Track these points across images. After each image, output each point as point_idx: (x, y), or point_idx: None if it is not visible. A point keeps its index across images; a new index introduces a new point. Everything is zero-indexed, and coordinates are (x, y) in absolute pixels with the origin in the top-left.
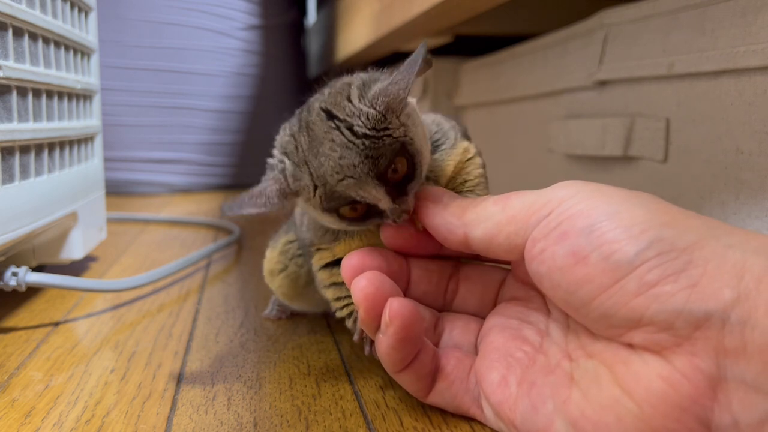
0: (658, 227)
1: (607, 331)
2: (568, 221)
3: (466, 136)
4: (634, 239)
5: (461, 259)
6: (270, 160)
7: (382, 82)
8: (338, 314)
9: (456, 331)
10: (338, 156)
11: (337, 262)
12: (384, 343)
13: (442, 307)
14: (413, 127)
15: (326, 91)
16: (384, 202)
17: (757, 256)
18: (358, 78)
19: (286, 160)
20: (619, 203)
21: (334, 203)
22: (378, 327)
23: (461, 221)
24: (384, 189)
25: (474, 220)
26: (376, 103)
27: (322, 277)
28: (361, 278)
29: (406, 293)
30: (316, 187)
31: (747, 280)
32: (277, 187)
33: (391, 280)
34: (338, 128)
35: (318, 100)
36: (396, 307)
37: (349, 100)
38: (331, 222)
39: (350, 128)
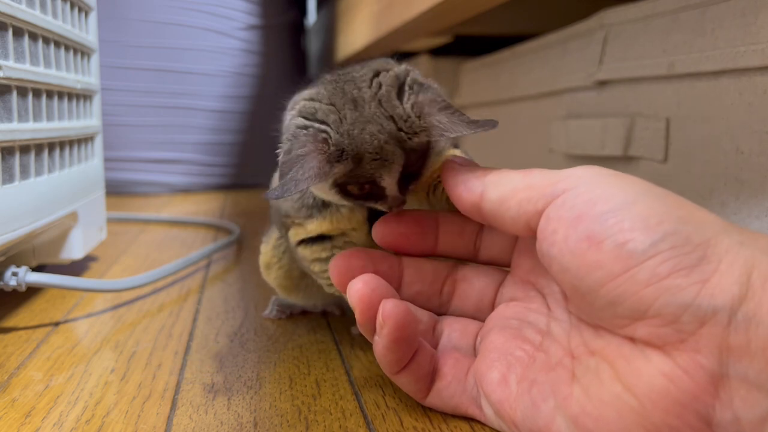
0: (674, 221)
1: (611, 321)
2: (585, 204)
3: (455, 146)
4: (650, 230)
5: (458, 261)
6: (299, 124)
7: (434, 97)
8: (327, 290)
9: (455, 333)
10: (384, 140)
11: (313, 239)
12: (379, 345)
13: (439, 309)
14: (437, 142)
15: (369, 74)
16: (392, 190)
17: (765, 254)
18: (410, 76)
19: (329, 129)
20: (637, 193)
21: (351, 180)
22: (374, 329)
23: (481, 181)
24: (398, 179)
25: (494, 182)
26: (422, 117)
27: (303, 253)
28: (357, 281)
29: (398, 293)
30: (345, 158)
31: (755, 277)
32: (324, 157)
33: (387, 282)
34: (389, 118)
35: (365, 81)
36: (389, 308)
37: (400, 99)
38: (329, 195)
39: (398, 127)
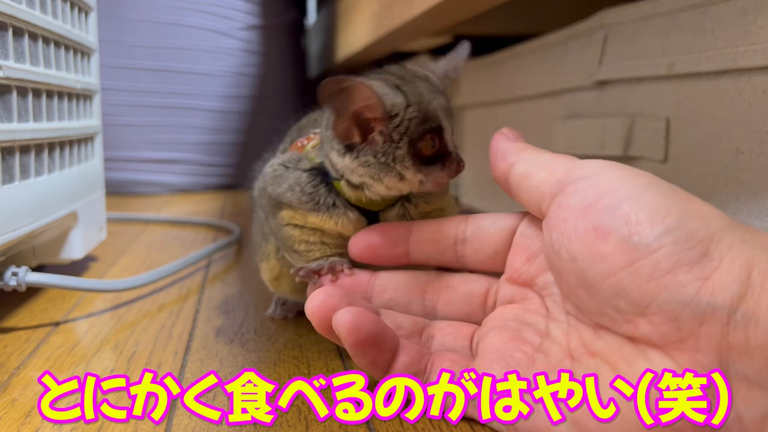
0: (678, 215)
1: (613, 316)
2: (595, 196)
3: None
4: (655, 224)
5: (443, 270)
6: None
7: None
8: (294, 261)
9: (448, 337)
10: (431, 89)
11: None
12: (349, 352)
13: (424, 315)
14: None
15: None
16: (450, 138)
17: (765, 253)
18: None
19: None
20: (645, 187)
21: (424, 127)
22: (338, 340)
23: (516, 154)
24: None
25: (526, 157)
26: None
27: (291, 233)
28: (310, 298)
29: (370, 303)
30: (408, 106)
31: (755, 275)
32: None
33: (341, 291)
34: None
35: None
36: (338, 316)
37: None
38: (400, 169)
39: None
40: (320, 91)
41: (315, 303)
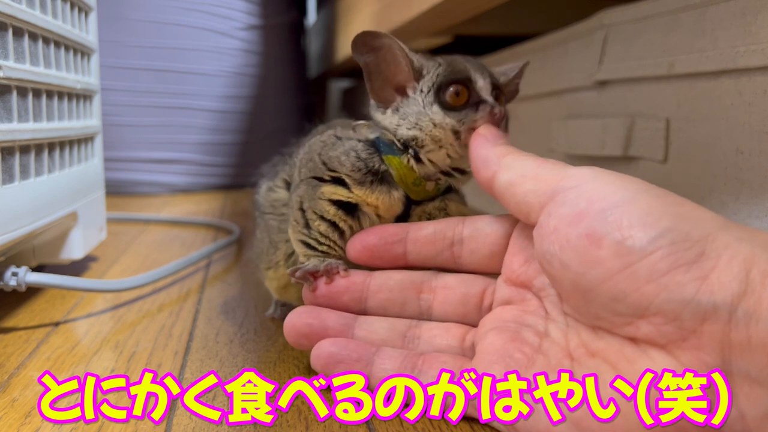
0: (672, 217)
1: (612, 319)
2: (586, 203)
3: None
4: (649, 227)
5: (439, 271)
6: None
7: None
8: (300, 249)
9: (436, 338)
10: (467, 59)
11: (344, 205)
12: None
13: (419, 315)
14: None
15: None
16: (485, 91)
17: (764, 250)
18: None
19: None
20: (636, 191)
21: (451, 77)
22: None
23: (499, 160)
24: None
25: (509, 164)
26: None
27: (327, 208)
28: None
29: (366, 303)
30: (439, 66)
31: (754, 273)
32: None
33: (318, 308)
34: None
35: None
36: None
37: None
38: (431, 115)
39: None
40: (354, 44)
41: (289, 332)
